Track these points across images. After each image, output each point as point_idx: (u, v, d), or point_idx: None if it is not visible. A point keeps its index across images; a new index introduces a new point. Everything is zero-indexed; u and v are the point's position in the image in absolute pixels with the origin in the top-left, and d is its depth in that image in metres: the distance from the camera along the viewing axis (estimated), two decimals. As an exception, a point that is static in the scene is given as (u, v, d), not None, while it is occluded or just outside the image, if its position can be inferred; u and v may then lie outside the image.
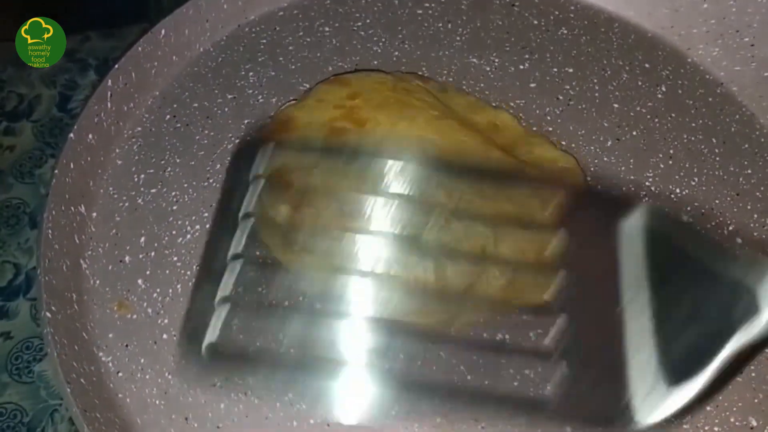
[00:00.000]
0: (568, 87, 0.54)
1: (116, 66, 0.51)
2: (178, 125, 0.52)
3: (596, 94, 0.54)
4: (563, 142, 0.51)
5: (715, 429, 0.41)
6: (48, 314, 0.42)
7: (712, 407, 0.42)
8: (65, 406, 0.48)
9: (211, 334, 0.39)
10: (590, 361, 0.39)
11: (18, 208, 0.57)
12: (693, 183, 0.50)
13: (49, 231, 0.45)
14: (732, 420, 0.42)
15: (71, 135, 0.48)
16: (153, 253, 0.47)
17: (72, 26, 0.62)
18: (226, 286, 0.41)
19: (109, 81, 0.50)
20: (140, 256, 0.47)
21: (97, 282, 0.46)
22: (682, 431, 0.41)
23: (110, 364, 0.43)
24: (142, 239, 0.47)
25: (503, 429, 0.41)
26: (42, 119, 0.62)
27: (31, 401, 0.49)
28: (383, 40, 0.57)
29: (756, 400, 0.42)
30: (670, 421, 0.37)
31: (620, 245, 0.40)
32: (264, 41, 0.57)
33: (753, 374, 0.43)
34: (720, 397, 0.42)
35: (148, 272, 0.46)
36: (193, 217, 0.48)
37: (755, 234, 0.48)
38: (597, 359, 0.39)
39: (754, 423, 0.42)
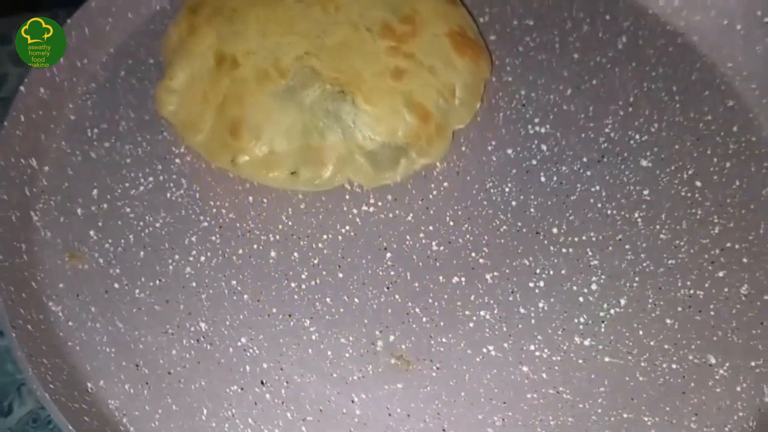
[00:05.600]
0: (528, 38, 0.54)
1: (68, 21, 0.50)
2: (133, 81, 0.52)
3: (556, 46, 0.54)
4: (522, 92, 0.51)
5: (674, 366, 0.41)
6: (-6, 262, 0.41)
7: (671, 345, 0.42)
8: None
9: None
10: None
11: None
12: (653, 129, 0.50)
13: (-3, 183, 0.44)
14: (690, 357, 0.41)
15: (21, 88, 0.47)
16: (105, 205, 0.46)
17: (40, 4, 0.62)
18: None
19: (62, 36, 0.50)
20: (92, 208, 0.46)
21: (48, 234, 0.45)
22: (640, 368, 0.41)
23: (60, 314, 0.43)
24: (95, 192, 0.47)
25: (458, 369, 0.41)
26: (10, 97, 0.61)
27: (-3, 375, 0.48)
28: None
29: (715, 338, 0.42)
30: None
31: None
32: (222, -1, 0.56)
33: (712, 313, 0.43)
34: (679, 336, 0.42)
35: (100, 224, 0.46)
36: (147, 170, 0.48)
37: (715, 177, 0.47)
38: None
39: (713, 360, 0.41)
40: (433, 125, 0.46)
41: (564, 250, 0.45)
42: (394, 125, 0.45)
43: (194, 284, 0.44)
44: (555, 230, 0.45)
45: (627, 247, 0.45)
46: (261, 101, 0.45)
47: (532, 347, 0.42)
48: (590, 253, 0.45)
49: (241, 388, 0.40)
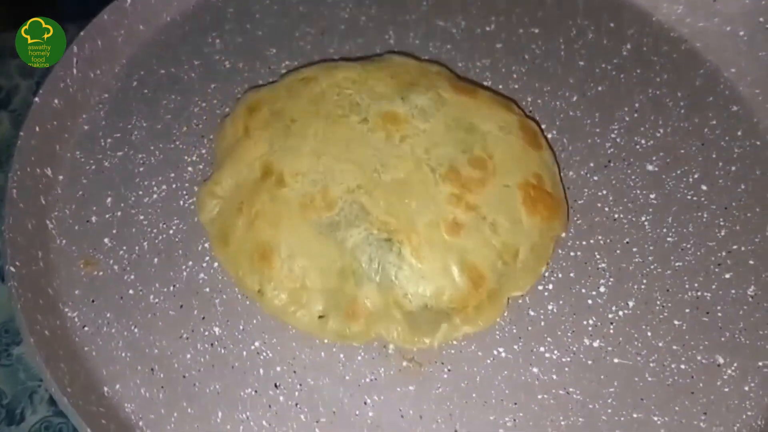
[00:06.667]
0: (534, 47, 0.55)
1: (81, 33, 0.51)
2: (145, 91, 0.53)
3: (562, 53, 0.54)
4: (529, 98, 0.52)
5: (682, 366, 0.42)
6: (12, 269, 0.42)
7: (679, 346, 0.42)
8: (44, 385, 0.48)
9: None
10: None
11: (-4, 195, 0.57)
12: (658, 134, 0.50)
13: (14, 191, 0.45)
14: (698, 358, 0.42)
15: (36, 99, 0.48)
16: (119, 213, 0.47)
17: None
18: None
19: (75, 48, 0.51)
20: (106, 216, 0.47)
21: (64, 241, 0.46)
22: (649, 369, 0.41)
23: (76, 319, 0.43)
24: (109, 200, 0.48)
25: (469, 371, 0.41)
26: (19, 109, 0.62)
27: (10, 383, 0.49)
28: (350, 5, 0.57)
29: (722, 339, 0.42)
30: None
31: None
32: (231, 10, 0.57)
33: (719, 314, 0.43)
34: (687, 337, 0.42)
35: (114, 231, 0.46)
36: (159, 178, 0.48)
37: (720, 181, 0.48)
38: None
39: (721, 360, 0.42)
40: (485, 291, 0.41)
41: (572, 253, 0.45)
42: (441, 286, 0.41)
43: (208, 289, 0.44)
44: (563, 234, 0.46)
45: (634, 250, 0.45)
46: (300, 229, 0.42)
47: (542, 349, 0.42)
48: (598, 257, 0.45)
49: (255, 391, 0.41)
